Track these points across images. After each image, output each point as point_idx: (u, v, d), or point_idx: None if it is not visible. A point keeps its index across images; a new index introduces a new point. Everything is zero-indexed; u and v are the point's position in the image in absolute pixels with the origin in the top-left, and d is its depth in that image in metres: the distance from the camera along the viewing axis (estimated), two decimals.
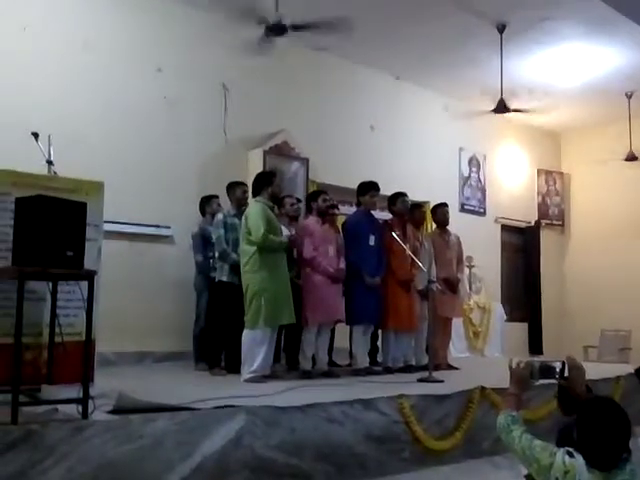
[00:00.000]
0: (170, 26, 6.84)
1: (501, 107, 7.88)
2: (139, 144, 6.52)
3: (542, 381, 2.45)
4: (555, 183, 11.47)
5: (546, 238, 11.22)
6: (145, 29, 6.70)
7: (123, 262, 6.00)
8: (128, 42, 6.57)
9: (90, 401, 3.18)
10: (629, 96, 9.46)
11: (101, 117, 6.27)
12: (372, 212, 6.04)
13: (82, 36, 6.23)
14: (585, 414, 2.07)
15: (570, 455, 2.05)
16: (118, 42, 6.49)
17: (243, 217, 5.21)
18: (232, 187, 5.86)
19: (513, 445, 2.22)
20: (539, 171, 11.32)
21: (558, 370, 2.41)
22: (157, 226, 6.53)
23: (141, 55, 6.64)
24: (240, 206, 5.71)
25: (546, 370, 2.43)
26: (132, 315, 5.96)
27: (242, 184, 5.87)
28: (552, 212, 11.40)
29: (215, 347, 5.51)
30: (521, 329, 10.64)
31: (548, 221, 11.32)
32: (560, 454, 2.06)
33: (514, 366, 2.41)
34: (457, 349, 8.11)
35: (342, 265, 5.61)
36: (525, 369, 2.40)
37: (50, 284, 3.44)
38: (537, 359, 2.52)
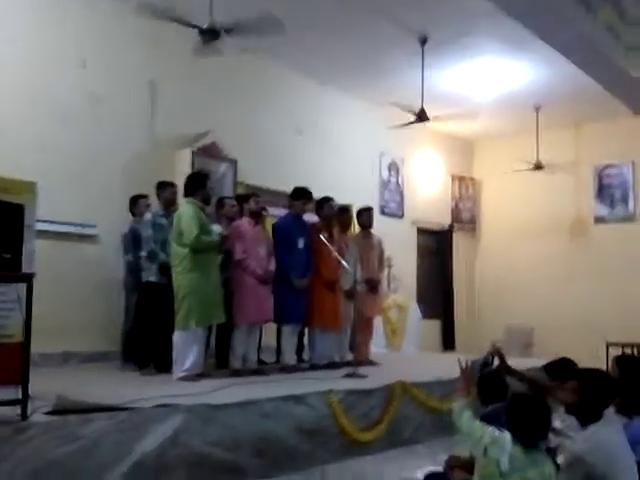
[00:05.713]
0: (96, 21, 6.72)
1: (421, 115, 8.27)
2: (63, 140, 6.38)
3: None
4: (468, 189, 12.11)
5: (459, 241, 11.86)
6: (69, 23, 6.53)
7: (47, 261, 5.80)
8: (51, 35, 6.39)
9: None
10: (537, 109, 10.16)
11: (24, 112, 6.09)
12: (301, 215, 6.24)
13: (2, 30, 6.03)
14: (517, 403, 2.57)
15: (499, 429, 2.56)
16: (40, 36, 6.30)
17: (175, 218, 5.25)
18: (161, 187, 5.86)
19: (463, 425, 2.71)
20: (453, 177, 11.92)
21: (490, 362, 3.22)
22: (82, 225, 6.43)
23: (64, 49, 6.48)
24: (168, 207, 5.75)
25: (484, 365, 3.20)
26: (56, 315, 5.81)
27: (172, 185, 5.89)
28: (464, 216, 12.04)
29: (145, 347, 5.52)
30: (435, 326, 11.19)
31: (460, 225, 11.95)
32: (491, 429, 2.59)
33: (463, 365, 3.01)
34: (376, 345, 8.43)
35: (272, 267, 5.77)
36: (472, 367, 3.03)
37: None
38: (476, 358, 3.28)
